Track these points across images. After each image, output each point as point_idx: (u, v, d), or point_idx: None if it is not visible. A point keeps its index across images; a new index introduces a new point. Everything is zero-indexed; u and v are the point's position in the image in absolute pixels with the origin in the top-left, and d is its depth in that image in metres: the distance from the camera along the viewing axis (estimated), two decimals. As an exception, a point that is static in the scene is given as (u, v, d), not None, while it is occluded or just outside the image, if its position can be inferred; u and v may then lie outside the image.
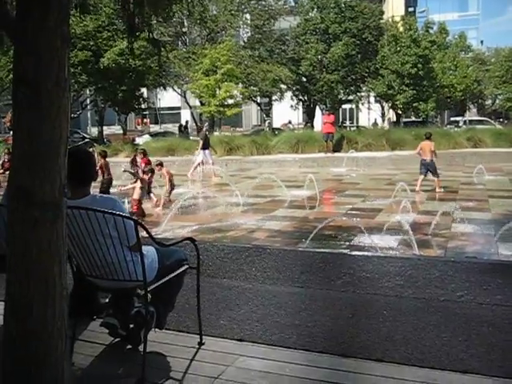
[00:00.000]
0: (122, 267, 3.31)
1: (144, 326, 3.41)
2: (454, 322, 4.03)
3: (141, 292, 3.39)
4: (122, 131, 40.15)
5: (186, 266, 3.71)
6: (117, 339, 3.75)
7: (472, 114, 56.62)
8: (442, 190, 13.73)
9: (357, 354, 3.55)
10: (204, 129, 20.46)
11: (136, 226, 3.22)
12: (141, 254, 3.28)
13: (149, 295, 3.38)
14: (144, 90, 41.84)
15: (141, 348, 3.39)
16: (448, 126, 42.36)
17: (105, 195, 3.55)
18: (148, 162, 13.63)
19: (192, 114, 44.25)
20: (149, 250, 3.53)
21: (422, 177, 14.06)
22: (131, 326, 3.65)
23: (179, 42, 42.02)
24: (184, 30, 41.70)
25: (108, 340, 3.75)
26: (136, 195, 9.99)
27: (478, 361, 3.40)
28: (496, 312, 4.23)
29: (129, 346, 3.70)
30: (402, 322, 4.05)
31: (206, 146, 18.79)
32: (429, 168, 14.08)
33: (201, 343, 3.73)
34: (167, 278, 3.51)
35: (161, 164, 12.63)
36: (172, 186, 12.56)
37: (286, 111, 47.04)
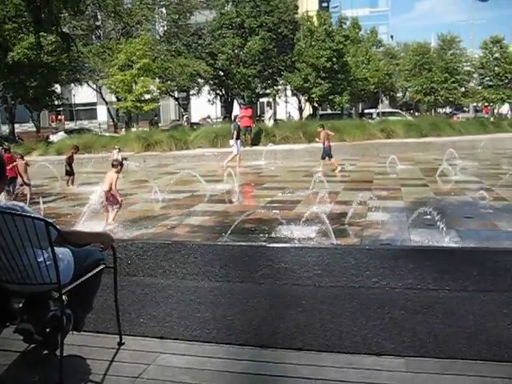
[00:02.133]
0: (35, 271, 3.20)
1: (61, 330, 3.31)
2: (369, 308, 4.17)
3: (56, 295, 3.28)
4: (35, 129, 38.64)
5: (103, 266, 3.63)
6: (32, 345, 3.61)
7: (385, 106, 58.66)
8: (339, 168, 16.31)
9: (277, 344, 3.61)
10: (236, 119, 20.84)
11: (47, 226, 3.12)
12: (53, 255, 3.17)
13: (65, 297, 3.28)
14: (57, 86, 40.46)
15: (58, 352, 3.29)
16: (362, 118, 43.67)
17: (11, 202, 3.37)
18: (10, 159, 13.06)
19: (108, 109, 43.26)
20: (63, 252, 3.42)
21: (323, 161, 16.79)
22: (47, 330, 3.53)
23: (93, 36, 40.89)
24: (98, 23, 40.63)
25: (23, 347, 3.60)
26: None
27: (391, 343, 3.54)
28: (408, 295, 4.42)
29: (45, 352, 3.57)
30: (319, 310, 4.15)
31: (238, 136, 19.10)
32: (326, 152, 16.71)
33: (120, 343, 3.67)
34: (83, 279, 3.42)
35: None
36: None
37: (204, 106, 46.90)
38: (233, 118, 22.45)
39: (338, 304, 4.27)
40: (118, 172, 9.94)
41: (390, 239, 7.65)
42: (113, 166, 10.07)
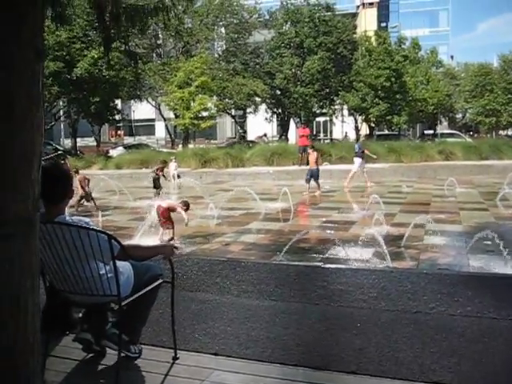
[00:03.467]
0: (96, 282, 3.29)
1: (119, 342, 3.39)
2: (427, 334, 4.07)
3: (115, 307, 3.37)
4: (95, 143, 39.84)
5: (161, 281, 3.70)
6: (90, 355, 3.71)
7: (443, 128, 57.60)
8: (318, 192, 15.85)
9: (331, 366, 3.58)
10: (361, 138, 21.33)
11: (110, 240, 3.21)
12: (115, 268, 3.27)
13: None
14: (118, 102, 41.65)
15: (115, 363, 3.36)
16: (420, 139, 43.01)
17: (77, 217, 3.46)
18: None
19: (166, 126, 44.16)
20: (124, 266, 3.51)
21: (307, 185, 16.43)
22: (105, 341, 3.62)
23: (154, 54, 41.98)
24: (159, 42, 41.72)
25: (81, 356, 3.71)
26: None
27: (449, 371, 3.45)
28: (467, 323, 4.29)
29: (102, 362, 3.66)
30: (375, 334, 4.09)
31: (362, 155, 19.33)
32: (312, 175, 16.30)
33: (175, 358, 3.72)
34: (141, 293, 3.50)
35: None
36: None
37: (260, 124, 47.22)
38: (356, 138, 22.74)
39: (394, 328, 4.19)
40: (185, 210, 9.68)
41: (447, 264, 7.47)
42: (184, 205, 9.78)
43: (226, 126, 65.71)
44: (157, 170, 16.09)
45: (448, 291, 4.96)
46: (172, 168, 20.38)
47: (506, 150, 26.75)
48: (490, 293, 4.94)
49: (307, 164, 22.68)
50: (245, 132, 49.49)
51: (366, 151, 19.37)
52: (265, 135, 45.64)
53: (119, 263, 3.45)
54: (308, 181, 16.39)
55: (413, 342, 3.93)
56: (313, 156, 16.83)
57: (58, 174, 3.31)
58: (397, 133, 42.07)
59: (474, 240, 8.00)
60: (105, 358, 3.68)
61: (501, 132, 54.55)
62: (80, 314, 3.71)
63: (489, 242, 7.82)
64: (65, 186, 3.35)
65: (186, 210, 9.53)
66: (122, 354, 3.53)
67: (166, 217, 9.34)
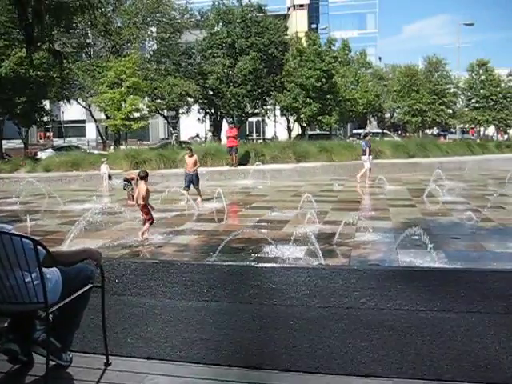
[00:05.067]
0: (22, 290, 3.18)
1: (46, 350, 3.28)
2: (358, 329, 4.17)
3: (42, 314, 3.25)
4: (23, 145, 38.46)
5: (90, 285, 3.61)
6: (17, 366, 3.57)
7: (373, 127, 59.18)
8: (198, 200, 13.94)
9: (265, 365, 3.59)
10: (367, 137, 21.37)
11: (35, 246, 3.10)
12: (41, 275, 3.16)
13: (51, 317, 3.26)
14: (46, 103, 40.37)
15: (43, 373, 3.25)
16: (350, 139, 43.99)
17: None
18: None
19: (97, 127, 43.20)
20: (52, 272, 3.41)
21: (186, 192, 14.25)
22: (33, 351, 3.49)
23: (83, 54, 40.95)
24: (88, 41, 40.72)
25: (7, 367, 3.56)
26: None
27: (379, 364, 3.54)
28: (396, 316, 4.42)
29: (31, 372, 3.53)
30: (308, 331, 4.14)
31: (370, 152, 19.84)
32: (192, 180, 14.58)
33: (107, 364, 3.63)
34: (70, 299, 3.41)
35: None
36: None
37: (193, 124, 46.99)
38: (362, 136, 22.71)
39: (327, 325, 4.26)
40: (146, 181, 9.98)
41: (378, 260, 7.67)
42: (141, 178, 10.06)
43: (159, 127, 65.01)
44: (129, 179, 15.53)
45: (378, 286, 5.10)
46: (103, 169, 19.99)
47: (431, 148, 27.82)
48: (419, 286, 5.12)
49: (237, 164, 22.71)
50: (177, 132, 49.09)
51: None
52: (197, 136, 45.45)
53: (46, 269, 3.34)
54: (187, 188, 14.49)
55: (345, 337, 4.00)
56: (191, 159, 15.01)
57: None
58: (328, 132, 42.81)
59: (403, 236, 8.25)
60: (33, 368, 3.54)
61: (427, 131, 56.60)
62: (5, 324, 3.56)
63: (417, 237, 8.08)
64: None
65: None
66: (52, 363, 3.42)
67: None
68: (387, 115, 64.18)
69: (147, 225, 9.54)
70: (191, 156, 15.15)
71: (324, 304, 4.76)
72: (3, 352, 3.43)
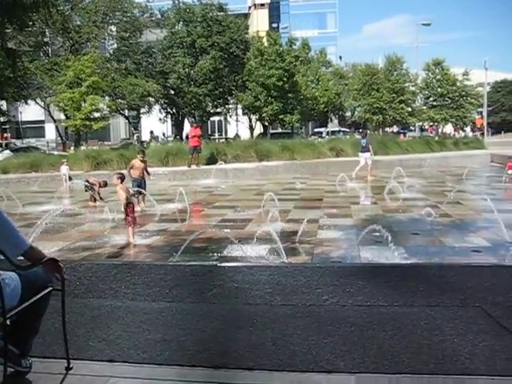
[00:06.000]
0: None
1: (4, 357, 3.21)
2: (320, 325, 4.21)
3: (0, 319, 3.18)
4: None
5: (50, 289, 3.54)
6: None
7: (334, 125, 59.74)
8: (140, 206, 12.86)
9: (229, 364, 3.59)
10: (367, 135, 21.91)
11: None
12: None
13: (8, 322, 3.19)
14: (3, 103, 39.49)
15: (0, 380, 3.18)
16: (312, 137, 44.32)
17: None
18: None
19: (57, 127, 42.48)
20: (10, 275, 3.33)
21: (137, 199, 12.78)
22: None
23: (41, 53, 40.15)
24: (46, 40, 39.95)
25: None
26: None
27: (341, 360, 3.58)
28: (358, 312, 4.48)
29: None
30: (271, 329, 4.16)
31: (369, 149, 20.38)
32: (140, 185, 13.26)
33: (68, 368, 3.58)
34: (29, 303, 3.34)
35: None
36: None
37: (154, 124, 46.63)
38: (363, 134, 22.81)
39: (290, 322, 4.29)
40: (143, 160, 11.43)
41: (340, 257, 7.75)
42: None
43: (120, 127, 64.32)
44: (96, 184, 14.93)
45: (340, 283, 5.18)
46: (63, 171, 19.67)
47: (391, 145, 28.26)
48: (380, 282, 5.21)
49: (198, 164, 22.53)
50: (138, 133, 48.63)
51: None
52: (151, 132, 44.37)
53: (4, 273, 3.28)
54: (139, 193, 13.03)
55: (307, 334, 4.04)
56: (142, 164, 13.51)
57: None
58: (290, 131, 43.10)
59: (364, 232, 8.36)
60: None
61: (387, 129, 57.45)
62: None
63: (378, 234, 8.20)
64: None
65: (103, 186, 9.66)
66: (11, 369, 3.35)
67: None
68: (348, 113, 64.95)
69: (130, 228, 9.33)
70: (143, 160, 13.58)
71: (287, 302, 4.79)
72: (-42, 359, 3.35)
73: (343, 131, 50.71)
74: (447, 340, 3.85)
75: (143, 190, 13.29)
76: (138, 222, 9.84)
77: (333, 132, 51.81)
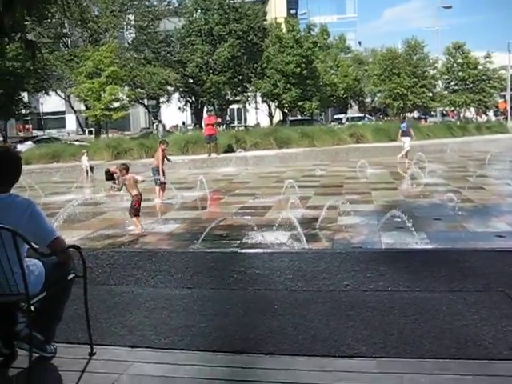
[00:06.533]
0: (2, 281, 3.16)
1: (29, 342, 3.26)
2: (341, 310, 4.20)
3: (24, 305, 3.23)
4: (1, 138, 37.98)
5: (72, 275, 3.59)
6: (0, 358, 3.54)
7: (354, 112, 59.32)
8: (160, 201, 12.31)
9: (250, 349, 3.60)
10: (406, 120, 22.52)
11: (14, 237, 3.07)
12: (21, 265, 3.13)
13: (33, 308, 3.23)
14: (25, 95, 39.88)
15: (27, 365, 3.23)
16: (332, 123, 44.06)
17: (23, 197, 3.39)
18: None
19: (77, 118, 42.83)
20: (34, 263, 3.39)
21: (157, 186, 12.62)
22: (15, 343, 3.47)
23: (60, 44, 40.43)
24: (65, 31, 40.20)
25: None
26: None
27: (362, 345, 3.57)
28: (379, 297, 4.46)
29: (14, 365, 3.51)
30: (292, 314, 4.17)
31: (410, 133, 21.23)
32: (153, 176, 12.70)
33: (92, 353, 3.63)
34: (52, 289, 3.39)
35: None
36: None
37: (174, 113, 46.73)
38: (402, 118, 23.57)
39: (311, 308, 4.29)
40: (164, 149, 12.29)
41: (361, 242, 7.72)
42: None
43: (140, 117, 64.59)
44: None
45: (361, 268, 5.15)
46: (84, 161, 19.82)
47: (412, 131, 27.95)
48: (401, 267, 5.18)
49: (217, 153, 22.42)
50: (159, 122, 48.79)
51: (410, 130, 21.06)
52: (159, 122, 43.75)
53: (28, 260, 3.33)
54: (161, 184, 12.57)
55: (328, 319, 4.03)
56: (158, 152, 13.17)
57: (9, 158, 3.44)
58: (309, 118, 42.88)
59: (385, 218, 8.31)
60: (17, 361, 3.52)
61: (407, 114, 56.90)
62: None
63: (399, 220, 8.14)
64: (15, 170, 3.44)
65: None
66: (36, 355, 3.40)
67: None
68: (368, 99, 64.36)
69: (135, 218, 9.28)
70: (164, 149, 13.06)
71: (308, 287, 4.79)
72: (-16, 346, 3.41)
73: (367, 117, 50.19)
74: (470, 325, 3.82)
75: (163, 179, 12.72)
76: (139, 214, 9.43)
77: (353, 118, 51.43)
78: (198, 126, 40.85)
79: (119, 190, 9.60)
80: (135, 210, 9.22)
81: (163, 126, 41.22)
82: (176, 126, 44.43)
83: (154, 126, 43.09)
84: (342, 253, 5.75)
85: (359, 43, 79.18)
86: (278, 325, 3.97)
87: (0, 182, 3.34)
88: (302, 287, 4.80)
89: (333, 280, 4.90)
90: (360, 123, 35.21)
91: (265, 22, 44.17)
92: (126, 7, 40.14)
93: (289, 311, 4.23)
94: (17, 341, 3.47)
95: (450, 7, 52.18)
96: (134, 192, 9.27)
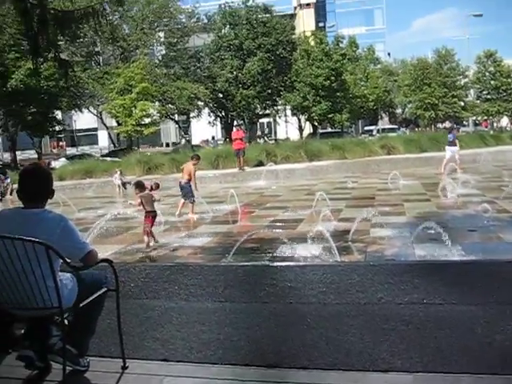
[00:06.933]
0: (36, 295, 3.19)
1: (63, 356, 3.28)
2: (376, 324, 4.12)
3: (58, 319, 3.26)
4: (36, 156, 38.82)
5: (105, 289, 3.61)
6: (35, 372, 3.57)
7: (384, 123, 58.89)
8: (195, 217, 12.18)
9: (282, 363, 3.56)
10: (453, 131, 22.26)
11: (47, 251, 3.10)
12: (55, 279, 3.16)
13: (66, 322, 3.25)
14: (58, 112, 40.73)
15: (60, 379, 3.24)
16: (362, 135, 43.83)
17: (55, 212, 3.44)
18: None
19: (109, 134, 43.48)
20: (67, 277, 3.42)
21: (183, 200, 12.57)
22: (49, 356, 3.50)
23: (92, 62, 41.27)
24: (97, 49, 41.02)
25: (25, 374, 3.56)
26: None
27: (398, 359, 3.49)
28: (414, 310, 4.36)
29: (48, 378, 3.53)
30: (325, 328, 4.10)
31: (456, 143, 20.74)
32: (183, 191, 12.56)
33: (124, 367, 3.63)
34: (85, 303, 3.41)
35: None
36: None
37: (204, 128, 47.07)
38: (449, 129, 23.63)
39: (344, 321, 4.22)
40: (195, 164, 12.43)
41: (394, 255, 7.61)
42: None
43: (170, 132, 65.20)
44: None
45: (395, 281, 5.05)
46: (117, 178, 20.06)
47: (444, 141, 27.46)
48: (436, 280, 5.06)
49: (242, 168, 22.43)
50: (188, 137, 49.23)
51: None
52: (212, 138, 44.52)
53: (61, 274, 3.36)
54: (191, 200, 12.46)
55: (362, 332, 3.96)
56: (187, 166, 12.94)
57: (40, 175, 3.51)
58: (340, 130, 42.73)
59: (418, 230, 8.18)
60: (50, 374, 3.54)
61: (439, 125, 56.23)
62: (22, 330, 3.57)
63: (432, 231, 8.01)
64: (47, 186, 3.49)
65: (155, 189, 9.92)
66: (70, 368, 3.42)
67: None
68: (398, 110, 63.87)
69: (146, 237, 9.24)
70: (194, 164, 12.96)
71: (340, 300, 4.72)
72: (19, 359, 3.44)
73: (402, 130, 49.61)
74: (510, 339, 3.70)
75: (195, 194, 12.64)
76: (153, 235, 9.33)
77: (383, 130, 51.08)
78: (228, 140, 41.07)
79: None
80: (147, 227, 9.17)
81: (186, 141, 41.57)
82: (206, 141, 44.75)
83: (183, 140, 43.42)
84: (375, 265, 5.66)
85: (388, 54, 78.72)
86: (310, 338, 3.92)
87: (32, 197, 3.39)
88: (335, 300, 4.73)
89: (366, 293, 4.82)
90: (395, 134, 34.78)
91: (293, 36, 44.33)
92: (155, 25, 40.77)
93: (322, 324, 4.17)
94: (51, 354, 3.49)
95: (480, 15, 51.52)
96: (149, 209, 9.26)
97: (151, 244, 9.13)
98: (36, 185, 3.42)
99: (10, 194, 17.04)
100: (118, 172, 20.39)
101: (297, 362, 3.56)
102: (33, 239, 3.09)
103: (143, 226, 9.31)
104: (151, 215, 9.27)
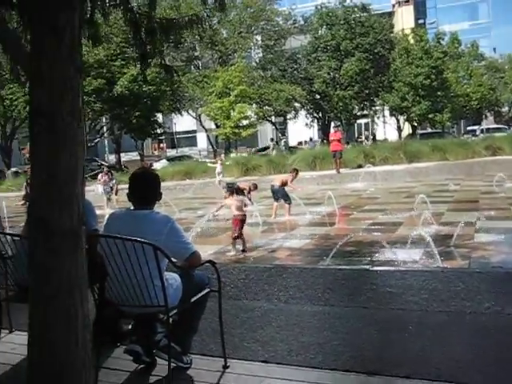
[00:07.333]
0: (144, 293, 3.33)
1: (168, 352, 3.40)
2: (484, 334, 3.95)
3: (163, 317, 3.38)
4: (139, 157, 40.51)
5: (208, 290, 3.70)
6: (141, 366, 3.73)
7: (489, 122, 56.21)
8: (291, 218, 12.22)
9: (384, 371, 3.49)
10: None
11: (155, 251, 3.23)
12: (161, 279, 3.29)
13: (171, 320, 3.37)
14: (159, 116, 42.23)
15: (165, 374, 3.36)
16: (465, 136, 42.12)
17: (163, 213, 3.65)
18: None
19: (208, 136, 44.53)
20: (173, 277, 3.56)
21: (276, 203, 12.58)
22: (154, 352, 3.65)
23: (192, 66, 42.45)
24: (196, 54, 42.18)
25: (132, 367, 3.73)
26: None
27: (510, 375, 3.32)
28: (525, 322, 4.15)
29: (154, 372, 3.68)
30: (428, 336, 3.98)
31: None
32: (277, 195, 12.57)
33: (225, 366, 3.70)
34: (189, 303, 3.51)
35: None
36: None
37: (301, 129, 47.09)
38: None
39: (448, 330, 4.08)
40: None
41: (501, 262, 7.24)
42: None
43: (267, 133, 65.79)
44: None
45: (504, 290, 4.80)
46: (218, 167, 20.87)
47: None
48: (548, 289, 4.76)
49: (338, 170, 22.16)
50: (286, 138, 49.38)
51: None
52: (271, 140, 43.10)
53: (167, 274, 3.49)
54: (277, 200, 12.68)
55: (469, 343, 3.81)
56: (284, 177, 13.40)
57: (148, 178, 3.69)
58: (440, 130, 41.26)
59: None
60: (156, 369, 3.69)
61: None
62: (130, 326, 3.74)
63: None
64: (155, 189, 3.64)
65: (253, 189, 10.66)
66: (174, 365, 3.54)
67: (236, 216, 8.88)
68: (505, 109, 60.74)
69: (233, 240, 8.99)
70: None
71: (444, 308, 4.56)
72: (128, 352, 3.61)
73: (502, 128, 47.16)
74: None
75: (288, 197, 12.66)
76: (243, 239, 8.97)
77: (487, 129, 48.75)
78: (325, 141, 40.84)
79: (245, 205, 9.45)
80: (236, 231, 8.85)
81: (274, 143, 41.49)
82: (302, 142, 44.68)
83: (282, 142, 43.44)
84: (481, 272, 5.41)
85: (494, 49, 75.01)
86: (413, 346, 3.82)
87: (141, 200, 3.55)
88: (438, 308, 4.58)
89: (472, 301, 4.62)
90: (502, 134, 32.99)
91: (392, 34, 43.40)
92: (252, 28, 41.31)
93: (425, 333, 4.06)
94: (156, 350, 3.64)
95: None
96: (237, 212, 8.91)
97: (239, 248, 8.91)
98: (145, 188, 3.58)
99: (116, 194, 17.86)
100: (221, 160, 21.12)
101: (399, 370, 3.47)
102: (142, 240, 3.22)
103: (232, 232, 9.03)
104: (239, 218, 8.94)
